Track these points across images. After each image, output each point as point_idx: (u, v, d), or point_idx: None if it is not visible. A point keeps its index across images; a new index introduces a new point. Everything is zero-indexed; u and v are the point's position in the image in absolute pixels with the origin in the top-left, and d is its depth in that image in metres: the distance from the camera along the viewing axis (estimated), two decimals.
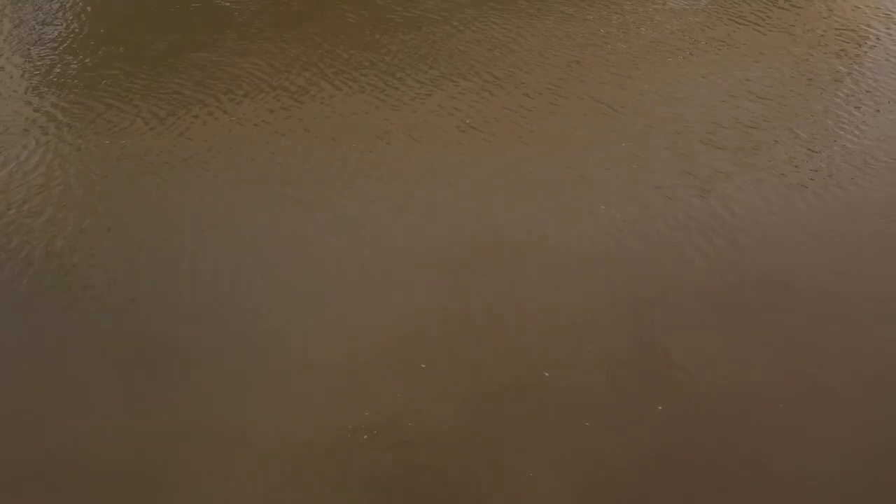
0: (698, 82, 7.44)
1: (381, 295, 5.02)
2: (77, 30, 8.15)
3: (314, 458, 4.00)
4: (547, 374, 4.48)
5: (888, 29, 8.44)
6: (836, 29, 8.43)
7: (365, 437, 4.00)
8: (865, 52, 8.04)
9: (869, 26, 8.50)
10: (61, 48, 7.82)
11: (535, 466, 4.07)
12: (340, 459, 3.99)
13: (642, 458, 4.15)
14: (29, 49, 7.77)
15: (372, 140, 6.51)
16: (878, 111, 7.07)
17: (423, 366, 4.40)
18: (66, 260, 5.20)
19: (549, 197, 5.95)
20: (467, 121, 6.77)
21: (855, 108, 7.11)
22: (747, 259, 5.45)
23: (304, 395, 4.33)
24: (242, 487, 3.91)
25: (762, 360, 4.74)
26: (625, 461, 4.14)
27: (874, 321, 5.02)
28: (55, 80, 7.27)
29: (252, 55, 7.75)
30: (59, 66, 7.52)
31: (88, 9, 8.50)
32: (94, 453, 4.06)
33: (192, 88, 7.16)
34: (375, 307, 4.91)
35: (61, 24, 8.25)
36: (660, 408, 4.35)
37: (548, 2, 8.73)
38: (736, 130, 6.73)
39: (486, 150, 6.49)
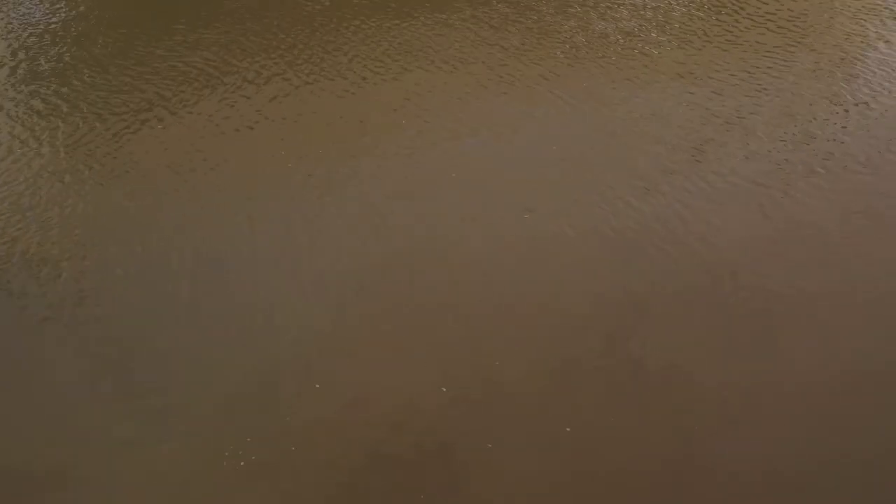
0: (657, 79, 7.31)
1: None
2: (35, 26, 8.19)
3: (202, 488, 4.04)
4: (444, 389, 4.47)
5: (863, 29, 8.13)
6: (808, 26, 8.16)
7: (242, 463, 4.02)
8: (838, 53, 7.80)
9: (842, 24, 8.19)
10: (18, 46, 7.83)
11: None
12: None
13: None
14: None
15: (323, 144, 6.42)
16: (847, 112, 6.83)
17: (316, 386, 4.41)
18: None
19: (479, 199, 5.83)
20: (404, 121, 6.67)
21: (820, 108, 6.86)
22: (702, 257, 5.34)
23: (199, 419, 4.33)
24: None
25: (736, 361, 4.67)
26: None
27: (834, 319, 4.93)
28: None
29: (204, 48, 7.71)
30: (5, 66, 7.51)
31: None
32: None
33: (141, 87, 7.11)
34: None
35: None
36: (568, 429, 4.28)
37: None
38: (689, 129, 6.54)
39: (428, 143, 6.41)
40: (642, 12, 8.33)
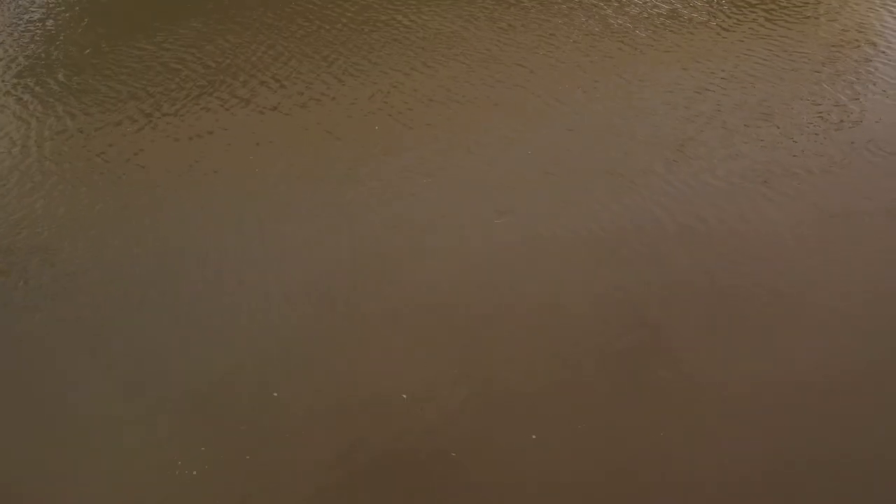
0: (643, 78, 7.29)
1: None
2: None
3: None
4: (405, 396, 4.49)
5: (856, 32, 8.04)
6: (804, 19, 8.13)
7: (191, 473, 4.08)
8: (833, 50, 7.73)
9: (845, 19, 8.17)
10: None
11: None
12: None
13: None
14: None
15: (313, 145, 6.40)
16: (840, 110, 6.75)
17: (274, 394, 4.46)
18: None
19: (467, 201, 5.79)
20: (375, 126, 6.64)
21: (810, 105, 6.79)
22: (699, 257, 5.33)
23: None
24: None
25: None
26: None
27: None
28: None
29: (191, 46, 7.72)
30: None
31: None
32: None
33: (123, 84, 7.14)
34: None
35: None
36: (533, 436, 4.27)
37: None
38: (668, 127, 6.50)
39: (409, 142, 6.38)
40: (627, 8, 8.26)
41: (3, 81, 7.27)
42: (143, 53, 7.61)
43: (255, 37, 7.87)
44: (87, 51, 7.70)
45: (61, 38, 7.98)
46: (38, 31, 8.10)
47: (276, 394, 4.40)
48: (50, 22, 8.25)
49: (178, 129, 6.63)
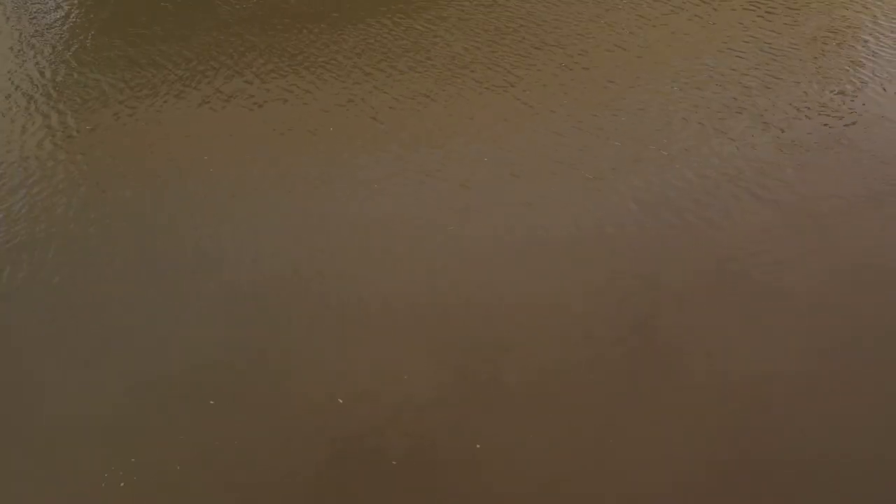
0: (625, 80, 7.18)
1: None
2: None
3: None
4: (341, 401, 4.51)
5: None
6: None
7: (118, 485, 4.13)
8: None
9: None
10: None
11: None
12: None
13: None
14: None
15: (297, 146, 6.42)
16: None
17: (211, 402, 4.51)
18: None
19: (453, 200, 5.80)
20: (372, 124, 6.64)
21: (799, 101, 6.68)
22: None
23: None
24: None
25: None
26: None
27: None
28: None
29: (160, 42, 7.82)
30: None
31: None
32: None
33: (94, 77, 7.28)
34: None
35: None
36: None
37: None
38: (648, 124, 6.45)
39: (393, 148, 6.33)
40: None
41: None
42: (118, 49, 7.72)
43: (234, 33, 7.92)
44: (72, 47, 7.81)
45: (46, 32, 8.11)
46: (34, 28, 8.25)
47: (212, 402, 4.46)
48: (53, 25, 8.41)
49: (163, 126, 6.70)
